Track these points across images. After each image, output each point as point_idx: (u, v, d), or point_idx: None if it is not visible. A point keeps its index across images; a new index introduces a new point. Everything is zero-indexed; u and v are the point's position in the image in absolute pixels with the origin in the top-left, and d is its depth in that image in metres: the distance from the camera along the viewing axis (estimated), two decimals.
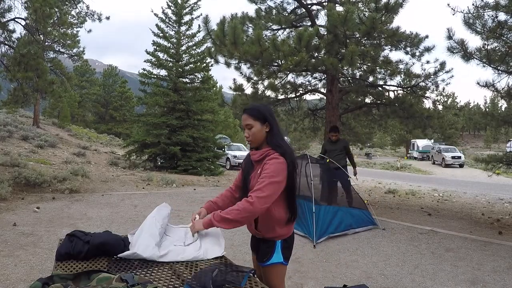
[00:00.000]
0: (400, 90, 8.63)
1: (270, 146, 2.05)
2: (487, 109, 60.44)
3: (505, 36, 6.28)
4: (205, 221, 2.02)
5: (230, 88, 9.09)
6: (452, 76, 7.89)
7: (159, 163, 16.67)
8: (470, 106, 75.35)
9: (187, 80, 17.94)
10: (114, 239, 2.00)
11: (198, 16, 17.61)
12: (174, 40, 17.53)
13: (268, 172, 1.93)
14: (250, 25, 8.38)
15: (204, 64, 17.36)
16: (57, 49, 17.64)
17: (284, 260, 2.13)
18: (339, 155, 6.95)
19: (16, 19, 9.62)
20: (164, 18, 17.45)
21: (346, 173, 6.70)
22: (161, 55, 17.41)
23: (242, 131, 2.26)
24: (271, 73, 8.27)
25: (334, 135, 7.14)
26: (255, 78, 8.65)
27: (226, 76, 13.30)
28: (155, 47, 17.24)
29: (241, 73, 8.68)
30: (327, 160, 6.82)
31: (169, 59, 17.53)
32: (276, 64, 7.53)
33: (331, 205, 5.90)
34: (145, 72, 17.17)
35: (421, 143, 38.20)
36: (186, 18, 17.68)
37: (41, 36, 11.98)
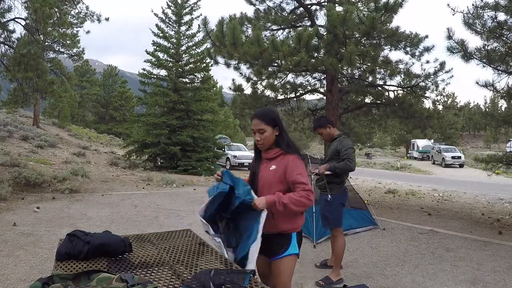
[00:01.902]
0: (400, 90, 8.62)
1: (279, 147, 2.18)
2: (487, 109, 60.43)
3: (505, 36, 6.28)
4: (269, 199, 2.04)
5: (230, 88, 9.09)
6: (452, 76, 7.86)
7: (159, 163, 16.68)
8: (470, 106, 75.33)
9: (187, 80, 17.97)
10: (114, 240, 2.01)
11: (198, 16, 17.66)
12: (174, 40, 17.54)
13: (298, 171, 2.10)
14: (249, 25, 8.37)
15: (204, 64, 17.38)
16: (57, 49, 17.66)
17: (298, 251, 2.23)
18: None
19: (16, 19, 9.62)
20: (164, 18, 17.48)
21: None
22: (161, 55, 17.45)
23: (251, 134, 2.31)
24: (271, 73, 8.26)
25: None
26: (254, 78, 8.64)
27: (226, 76, 13.32)
28: (155, 47, 17.26)
29: (240, 73, 8.65)
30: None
31: (169, 59, 17.55)
32: (275, 64, 7.51)
33: None
34: (145, 72, 17.19)
35: (421, 143, 38.19)
36: (186, 18, 17.75)
37: (41, 36, 11.96)
